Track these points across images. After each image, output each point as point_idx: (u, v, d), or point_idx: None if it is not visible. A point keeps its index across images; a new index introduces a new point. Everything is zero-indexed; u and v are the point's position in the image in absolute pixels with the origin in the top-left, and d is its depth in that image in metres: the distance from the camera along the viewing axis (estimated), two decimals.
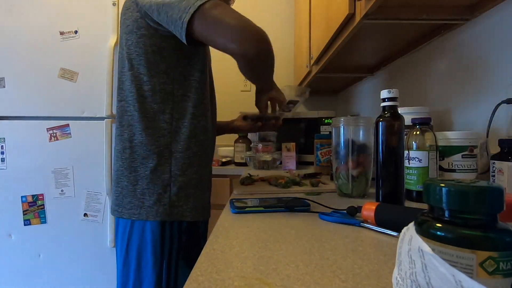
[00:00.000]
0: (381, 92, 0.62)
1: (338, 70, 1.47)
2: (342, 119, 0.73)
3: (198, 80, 0.76)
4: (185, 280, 0.31)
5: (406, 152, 0.68)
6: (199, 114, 0.76)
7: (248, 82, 2.22)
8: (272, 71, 0.77)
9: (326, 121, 1.58)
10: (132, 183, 0.72)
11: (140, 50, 0.72)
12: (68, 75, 1.37)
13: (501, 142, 0.62)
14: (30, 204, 1.36)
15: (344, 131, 0.73)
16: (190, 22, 0.62)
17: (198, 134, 0.76)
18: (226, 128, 1.07)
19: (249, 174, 1.02)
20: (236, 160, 1.71)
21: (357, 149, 0.71)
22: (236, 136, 1.78)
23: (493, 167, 0.63)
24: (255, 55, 0.63)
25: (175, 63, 0.74)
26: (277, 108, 0.93)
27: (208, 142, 0.80)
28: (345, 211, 0.55)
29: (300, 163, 1.59)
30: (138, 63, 0.72)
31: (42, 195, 1.36)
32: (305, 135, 1.63)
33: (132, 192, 0.72)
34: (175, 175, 0.72)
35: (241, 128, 1.04)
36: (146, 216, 0.71)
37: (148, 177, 0.72)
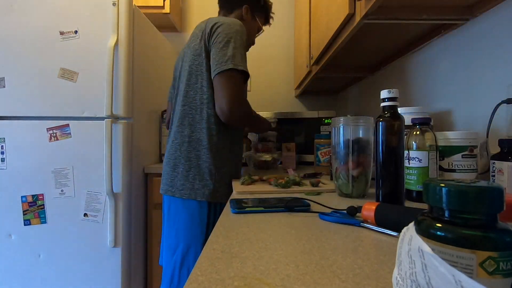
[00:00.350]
0: (381, 92, 0.62)
1: (338, 70, 1.47)
2: (342, 119, 0.73)
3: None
4: None
5: (406, 152, 0.68)
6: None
7: (249, 82, 2.22)
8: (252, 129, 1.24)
9: (326, 121, 1.58)
10: (186, 169, 0.95)
11: (204, 68, 0.95)
12: (68, 75, 1.37)
13: (501, 142, 0.62)
14: (30, 204, 1.36)
15: (343, 131, 0.73)
16: (222, 71, 0.89)
17: (236, 138, 1.03)
18: None
19: (249, 174, 1.02)
20: None
21: (357, 149, 0.71)
22: None
23: (493, 167, 0.63)
24: (227, 122, 0.91)
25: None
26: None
27: (241, 144, 1.08)
28: (345, 211, 0.55)
29: (300, 163, 1.59)
30: (202, 78, 0.95)
31: (42, 195, 1.36)
32: (305, 135, 1.63)
33: (185, 177, 0.95)
34: (218, 167, 0.95)
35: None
36: (195, 196, 0.93)
37: (200, 167, 0.94)
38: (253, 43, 1.20)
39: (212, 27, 0.93)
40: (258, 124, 1.12)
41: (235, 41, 0.91)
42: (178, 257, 0.94)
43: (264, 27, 1.23)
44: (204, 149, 0.95)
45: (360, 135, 0.71)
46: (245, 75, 0.93)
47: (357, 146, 0.71)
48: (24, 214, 1.36)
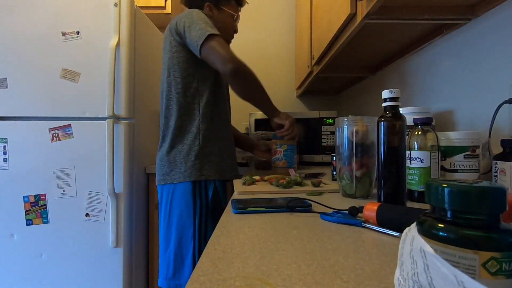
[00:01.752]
0: (383, 92, 0.62)
1: (340, 70, 1.47)
2: (346, 119, 0.72)
3: (216, 79, 1.08)
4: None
5: (407, 152, 0.68)
6: (217, 104, 1.09)
7: None
8: (262, 96, 1.06)
9: (327, 121, 1.58)
10: (172, 156, 1.03)
11: (175, 61, 1.04)
12: (70, 75, 1.38)
13: (504, 142, 0.62)
14: (32, 204, 1.36)
15: (347, 131, 0.72)
16: (203, 43, 0.93)
17: (216, 119, 1.07)
18: (245, 145, 1.37)
19: (250, 174, 1.02)
20: (237, 160, 1.70)
21: (361, 149, 0.71)
22: None
23: (495, 167, 0.62)
24: (232, 74, 0.93)
25: (197, 68, 1.04)
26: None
27: (224, 123, 1.12)
28: (346, 212, 0.55)
29: (302, 163, 1.59)
30: (174, 71, 1.04)
31: (44, 195, 1.36)
32: (306, 135, 1.63)
33: (171, 163, 1.02)
34: (201, 147, 1.02)
35: (259, 156, 1.34)
36: (183, 178, 1.00)
37: (185, 151, 1.02)
38: (235, 31, 1.20)
39: (175, 24, 1.02)
40: (262, 90, 1.05)
41: (195, 19, 0.98)
42: (170, 253, 1.01)
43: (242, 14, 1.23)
44: (186, 133, 1.03)
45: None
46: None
47: (361, 147, 0.71)
48: (26, 214, 1.36)
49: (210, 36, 0.93)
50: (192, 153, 1.01)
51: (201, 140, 1.03)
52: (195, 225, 0.99)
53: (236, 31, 1.22)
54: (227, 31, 1.16)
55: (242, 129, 2.13)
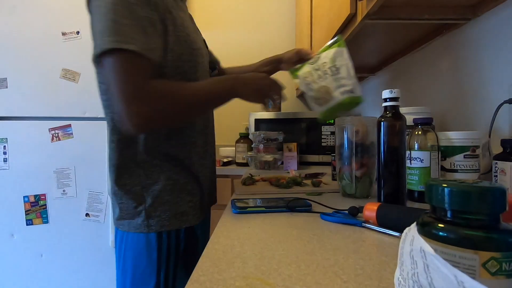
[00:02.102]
0: (383, 92, 0.62)
1: None
2: (346, 119, 0.72)
3: (173, 67, 0.66)
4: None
5: (407, 152, 0.68)
6: None
7: None
8: (205, 104, 0.66)
9: (327, 121, 1.58)
10: (115, 196, 0.68)
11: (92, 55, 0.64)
12: (70, 75, 1.38)
13: (504, 142, 0.62)
14: (32, 204, 1.36)
15: (347, 131, 0.72)
16: (100, 56, 0.59)
17: (171, 138, 0.67)
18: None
19: (250, 174, 1.02)
20: (237, 160, 1.71)
21: (361, 150, 0.71)
22: (237, 136, 1.78)
23: (496, 167, 0.62)
24: (146, 126, 0.59)
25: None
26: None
27: (187, 140, 0.69)
28: (346, 212, 0.55)
29: (302, 163, 1.59)
30: (96, 71, 0.72)
31: (44, 195, 1.36)
32: (306, 135, 1.63)
33: (117, 204, 0.68)
34: (147, 185, 0.66)
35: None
36: (128, 228, 0.66)
37: (121, 191, 0.66)
38: None
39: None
40: (199, 103, 0.64)
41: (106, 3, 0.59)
42: None
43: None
44: (116, 168, 0.66)
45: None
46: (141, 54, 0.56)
47: (361, 147, 0.71)
48: (26, 214, 1.36)
49: (111, 52, 0.56)
50: (131, 196, 0.66)
51: (141, 176, 0.66)
52: (160, 280, 0.65)
53: None
54: None
55: (242, 129, 2.13)
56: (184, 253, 0.68)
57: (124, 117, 0.56)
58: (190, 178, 0.70)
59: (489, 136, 0.72)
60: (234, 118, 2.21)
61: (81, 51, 1.37)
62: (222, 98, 0.67)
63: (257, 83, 0.70)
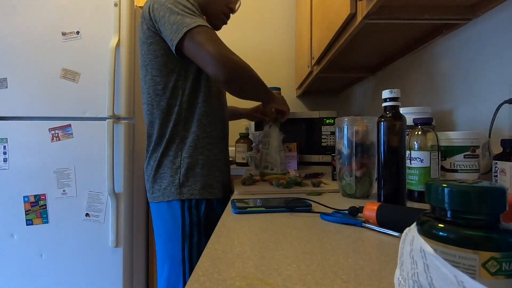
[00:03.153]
0: (383, 92, 0.62)
1: (339, 70, 1.47)
2: (346, 119, 0.73)
3: (205, 77, 0.87)
4: None
5: (407, 152, 0.68)
6: (206, 107, 0.87)
7: None
8: (259, 91, 0.90)
9: (327, 121, 1.58)
10: (155, 170, 0.85)
11: (151, 56, 0.84)
12: (70, 75, 1.38)
13: (504, 142, 0.62)
14: (32, 204, 1.36)
15: (347, 131, 0.72)
16: (181, 41, 0.76)
17: (204, 122, 0.87)
18: (237, 113, 1.26)
19: (250, 174, 1.02)
20: (237, 160, 1.71)
21: (361, 150, 0.71)
22: (237, 136, 1.78)
23: (496, 167, 0.62)
24: (227, 81, 0.76)
25: (181, 61, 0.84)
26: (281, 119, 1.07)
27: (214, 127, 0.89)
28: (346, 212, 0.55)
29: (302, 163, 1.59)
30: (151, 68, 0.84)
31: (44, 195, 1.36)
32: (306, 135, 1.62)
33: (153, 178, 0.85)
34: (183, 158, 0.84)
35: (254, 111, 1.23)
36: (162, 197, 0.83)
37: (163, 163, 0.84)
38: (230, 10, 0.96)
39: (149, 8, 0.82)
40: (259, 84, 0.87)
41: (172, 8, 0.77)
42: (163, 281, 0.85)
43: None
44: (166, 142, 0.84)
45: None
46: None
47: (361, 147, 0.71)
48: (26, 214, 1.36)
49: (189, 32, 0.75)
50: (172, 166, 0.83)
51: (183, 151, 0.84)
52: (184, 249, 0.82)
53: (232, 10, 0.96)
54: (217, 6, 0.93)
55: (242, 129, 2.13)
56: (205, 224, 0.83)
57: (216, 65, 0.74)
58: (220, 156, 0.90)
59: (489, 136, 0.72)
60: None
61: (81, 51, 1.37)
62: (267, 93, 0.94)
63: (282, 100, 1.05)
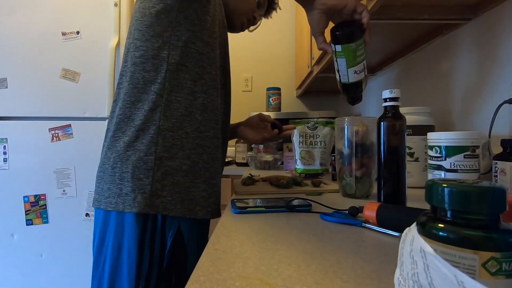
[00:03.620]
0: (383, 92, 0.62)
1: None
2: (346, 119, 0.73)
3: (199, 50, 0.65)
4: None
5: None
6: (197, 90, 0.65)
7: (249, 82, 2.22)
8: None
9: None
10: (112, 165, 0.61)
11: (139, 15, 0.64)
12: (70, 75, 1.38)
13: (504, 142, 0.62)
14: (32, 204, 1.36)
15: (347, 131, 0.72)
16: None
17: (195, 112, 0.64)
18: (232, 132, 1.00)
19: (250, 174, 1.02)
20: (237, 160, 1.71)
21: (361, 149, 0.71)
22: None
23: (496, 167, 0.62)
24: None
25: (173, 26, 0.63)
26: None
27: (209, 124, 0.66)
28: (346, 212, 0.55)
29: None
30: (134, 29, 0.65)
31: (44, 195, 1.36)
32: None
33: (111, 177, 0.61)
34: (160, 158, 0.60)
35: (251, 139, 0.96)
36: (123, 206, 0.58)
37: (129, 159, 0.60)
38: (252, 20, 0.87)
39: None
40: None
41: None
42: None
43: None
44: (134, 130, 0.61)
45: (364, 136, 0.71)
46: None
47: (361, 147, 0.71)
48: (26, 214, 1.36)
49: None
50: (142, 166, 0.59)
51: (159, 145, 0.60)
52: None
53: (254, 18, 0.87)
54: (246, 7, 0.83)
55: None
56: (168, 260, 0.60)
57: None
58: (210, 164, 0.66)
59: (489, 136, 0.72)
60: (234, 118, 2.21)
61: (81, 51, 1.37)
62: None
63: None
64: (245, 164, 1.65)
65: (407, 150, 0.81)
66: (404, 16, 0.81)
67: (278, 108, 1.98)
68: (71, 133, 1.37)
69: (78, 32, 1.38)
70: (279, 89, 2.02)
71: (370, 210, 0.49)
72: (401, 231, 0.26)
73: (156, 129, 0.61)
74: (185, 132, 0.63)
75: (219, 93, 0.71)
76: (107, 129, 0.67)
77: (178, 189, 0.61)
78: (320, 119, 1.01)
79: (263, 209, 0.58)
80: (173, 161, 0.61)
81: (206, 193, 0.65)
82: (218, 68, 0.71)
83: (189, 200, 0.62)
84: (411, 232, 0.22)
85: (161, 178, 0.60)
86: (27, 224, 1.36)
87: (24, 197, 1.36)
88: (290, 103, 2.24)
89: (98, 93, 1.36)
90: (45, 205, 1.36)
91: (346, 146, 0.72)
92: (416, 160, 0.84)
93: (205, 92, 0.66)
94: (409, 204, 0.63)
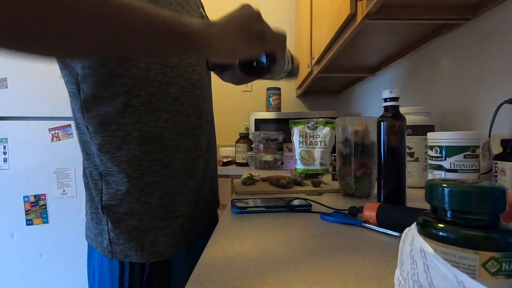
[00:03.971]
0: (383, 92, 0.62)
1: (339, 70, 1.47)
2: (346, 119, 0.73)
3: (112, 72, 0.50)
4: None
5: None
6: (128, 122, 0.51)
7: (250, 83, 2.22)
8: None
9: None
10: (85, 199, 0.60)
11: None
12: None
13: (504, 142, 0.62)
14: (32, 204, 1.36)
15: (347, 131, 0.72)
16: None
17: (132, 149, 0.52)
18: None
19: (250, 174, 1.02)
20: (237, 160, 1.71)
21: (361, 149, 0.71)
22: (237, 136, 1.78)
23: (496, 167, 0.62)
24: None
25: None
26: None
27: (154, 156, 0.54)
28: (346, 212, 0.55)
29: None
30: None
31: (44, 195, 1.36)
32: None
33: (88, 213, 0.60)
34: (107, 206, 0.53)
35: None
36: (95, 245, 0.57)
37: (90, 201, 0.57)
38: None
39: None
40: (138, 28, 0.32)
41: None
42: None
43: None
44: (85, 170, 0.56)
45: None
46: None
47: (361, 147, 0.71)
48: (26, 214, 1.36)
49: None
50: (97, 211, 0.55)
51: (104, 193, 0.54)
52: None
53: None
54: None
55: (242, 129, 2.13)
56: None
57: None
58: (166, 199, 0.55)
59: (489, 136, 0.72)
60: (234, 118, 2.22)
61: None
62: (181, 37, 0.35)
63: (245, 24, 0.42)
64: (245, 164, 1.65)
65: (407, 150, 0.81)
66: (404, 16, 0.81)
67: (278, 108, 1.98)
68: (71, 133, 1.37)
69: None
70: (279, 89, 2.02)
71: (370, 210, 0.49)
72: (401, 231, 0.26)
73: (98, 175, 0.54)
74: (126, 175, 0.52)
75: (164, 114, 0.54)
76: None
77: (134, 235, 0.53)
78: (320, 119, 1.02)
79: (263, 209, 0.58)
80: (122, 207, 0.53)
81: (170, 230, 0.56)
82: (154, 81, 0.53)
83: (150, 243, 0.54)
84: (411, 232, 0.22)
85: (114, 226, 0.53)
86: (27, 224, 1.36)
87: (24, 197, 1.36)
88: (290, 103, 2.24)
89: None
90: (45, 205, 1.36)
91: (346, 146, 0.73)
92: (416, 160, 0.84)
93: (138, 122, 0.52)
94: (409, 204, 0.63)
